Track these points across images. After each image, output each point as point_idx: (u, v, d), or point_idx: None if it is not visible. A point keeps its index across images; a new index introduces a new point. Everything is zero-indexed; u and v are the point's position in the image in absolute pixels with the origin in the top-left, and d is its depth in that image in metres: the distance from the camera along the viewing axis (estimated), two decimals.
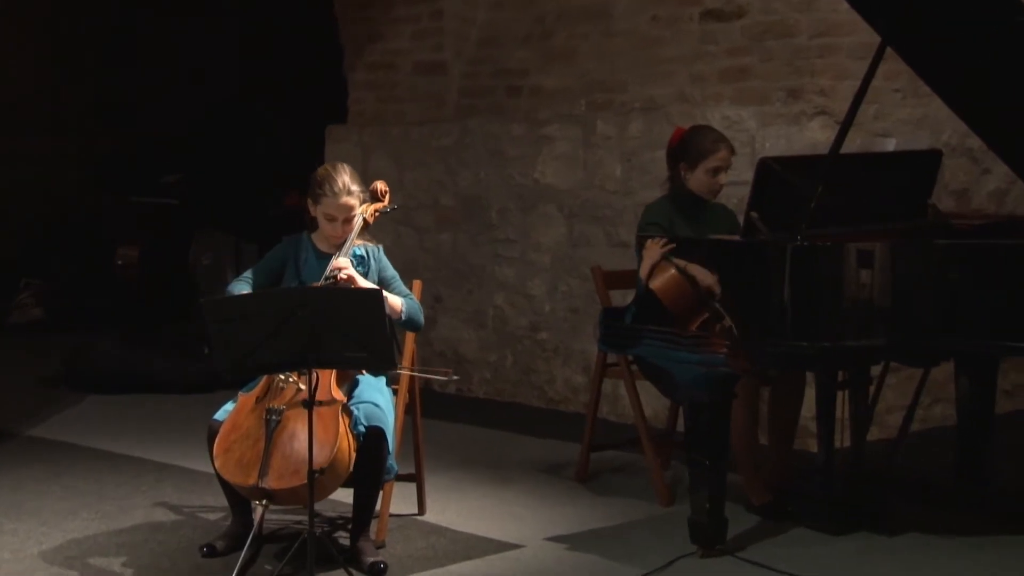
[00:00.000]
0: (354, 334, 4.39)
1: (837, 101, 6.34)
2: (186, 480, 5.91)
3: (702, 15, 6.81)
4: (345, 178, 4.92)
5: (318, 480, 4.41)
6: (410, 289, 5.14)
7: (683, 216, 5.42)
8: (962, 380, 5.61)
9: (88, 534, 5.18)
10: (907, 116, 6.63)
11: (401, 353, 5.12)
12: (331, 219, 4.94)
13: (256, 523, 4.70)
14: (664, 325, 4.84)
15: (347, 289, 4.73)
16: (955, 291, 4.71)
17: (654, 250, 4.90)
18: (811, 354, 4.74)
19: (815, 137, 6.36)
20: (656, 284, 4.86)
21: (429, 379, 7.59)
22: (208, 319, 4.38)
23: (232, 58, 11.47)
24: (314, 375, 4.43)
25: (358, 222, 4.98)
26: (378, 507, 4.94)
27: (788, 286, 4.63)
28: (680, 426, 5.53)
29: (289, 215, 8.44)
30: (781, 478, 5.52)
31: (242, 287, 4.92)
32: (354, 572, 4.62)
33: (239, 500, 4.83)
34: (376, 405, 4.75)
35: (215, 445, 4.64)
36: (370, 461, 4.69)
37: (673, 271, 4.82)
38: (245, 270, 5.10)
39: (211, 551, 4.85)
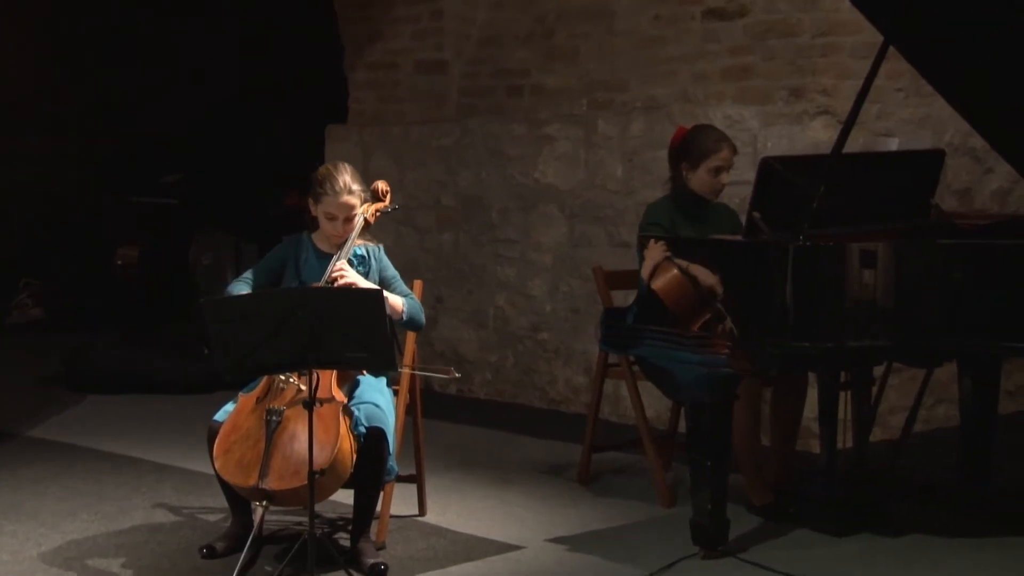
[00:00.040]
0: (354, 334, 4.38)
1: (839, 100, 6.33)
2: (186, 481, 5.89)
3: (704, 14, 6.80)
4: (346, 177, 4.91)
5: (318, 481, 4.40)
6: (411, 289, 5.13)
7: (685, 216, 5.40)
8: (965, 381, 5.59)
9: (87, 535, 5.17)
10: (910, 116, 6.62)
11: (402, 353, 5.11)
12: (332, 218, 4.93)
13: (256, 524, 4.69)
14: (666, 325, 4.83)
15: (347, 289, 4.72)
16: (958, 291, 4.69)
17: (657, 251, 4.88)
18: (813, 355, 4.73)
19: (817, 136, 6.35)
20: (658, 284, 4.85)
21: (429, 380, 7.61)
22: (208, 319, 4.36)
23: (232, 58, 11.46)
24: (314, 375, 4.42)
25: (359, 222, 4.97)
26: (378, 508, 4.93)
27: (790, 286, 4.62)
28: (682, 427, 5.52)
29: (289, 215, 8.43)
30: (783, 479, 5.51)
31: (241, 288, 4.90)
32: (354, 573, 4.61)
33: (239, 501, 4.82)
34: (377, 406, 4.74)
35: (215, 446, 4.63)
36: (371, 462, 4.68)
37: (675, 271, 4.81)
38: (245, 270, 5.09)
39: (211, 552, 4.83)
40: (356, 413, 4.68)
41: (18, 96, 10.97)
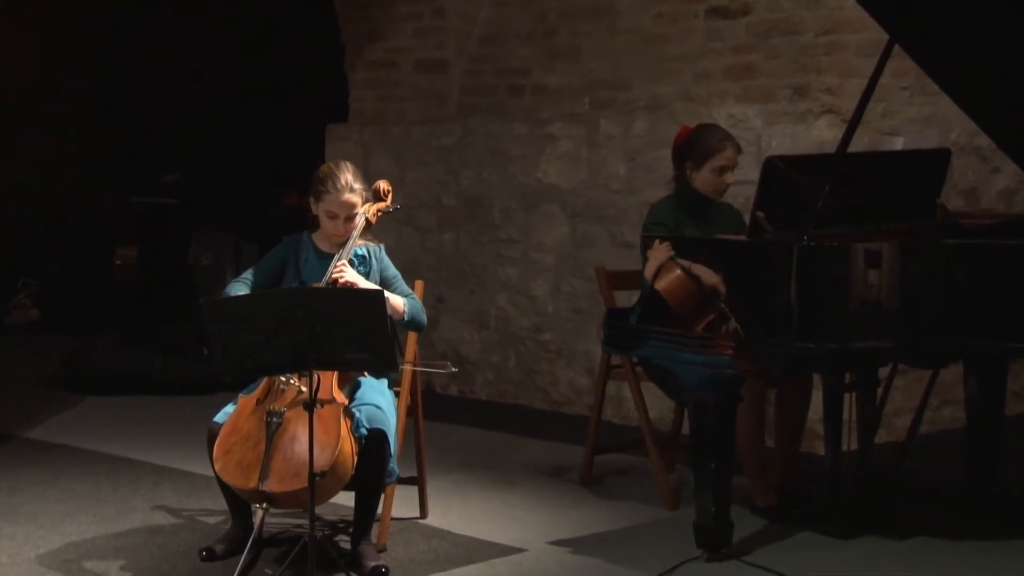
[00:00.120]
0: (355, 335, 4.36)
1: (844, 99, 6.31)
2: (185, 483, 5.87)
3: (707, 12, 6.79)
4: (348, 175, 4.90)
5: (319, 483, 4.38)
6: (412, 289, 5.10)
7: (689, 216, 5.38)
8: (971, 382, 5.56)
9: (86, 537, 5.14)
10: (915, 114, 6.60)
11: (402, 354, 5.09)
12: (333, 217, 4.91)
13: (256, 527, 4.65)
14: (669, 326, 4.80)
15: (348, 289, 4.70)
16: (964, 292, 4.68)
17: (661, 251, 4.85)
18: (818, 356, 4.71)
19: (822, 136, 6.33)
20: (661, 285, 4.83)
21: (431, 381, 7.59)
22: (208, 320, 4.35)
23: (232, 58, 11.44)
24: (315, 377, 4.40)
25: (360, 221, 4.95)
26: (380, 510, 4.91)
27: (794, 287, 4.60)
28: (685, 428, 5.50)
29: (289, 215, 8.43)
30: (787, 481, 5.49)
31: (239, 288, 4.89)
32: None
33: (239, 503, 4.80)
34: (378, 407, 4.72)
35: (215, 447, 4.62)
36: (372, 464, 4.65)
37: (679, 272, 4.78)
38: (245, 270, 5.08)
39: (210, 555, 4.81)
40: (357, 415, 4.66)
41: (18, 96, 10.95)
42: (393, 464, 4.79)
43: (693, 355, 4.74)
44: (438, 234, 8.03)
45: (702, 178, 5.39)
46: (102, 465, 6.23)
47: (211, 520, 5.34)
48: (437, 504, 5.52)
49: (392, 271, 5.05)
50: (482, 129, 7.78)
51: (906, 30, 4.95)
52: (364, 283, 4.84)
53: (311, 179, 4.98)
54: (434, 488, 5.59)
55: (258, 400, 4.67)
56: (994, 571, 4.76)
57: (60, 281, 10.64)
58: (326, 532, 5.14)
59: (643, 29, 7.07)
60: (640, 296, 5.02)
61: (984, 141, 6.20)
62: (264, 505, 4.50)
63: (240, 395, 4.75)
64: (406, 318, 4.94)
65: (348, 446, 4.53)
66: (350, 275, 4.81)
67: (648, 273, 4.90)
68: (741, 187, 5.76)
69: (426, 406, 5.40)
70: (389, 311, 4.64)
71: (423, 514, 5.41)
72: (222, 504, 4.95)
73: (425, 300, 5.19)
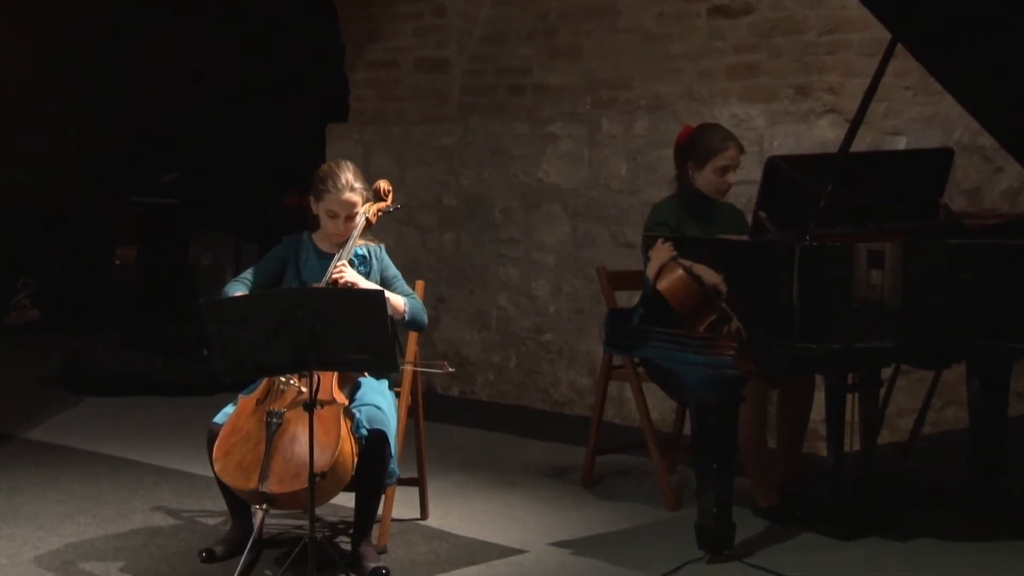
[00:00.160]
0: (355, 335, 4.35)
1: (847, 99, 6.29)
2: (185, 484, 5.86)
3: (709, 11, 6.77)
4: (348, 175, 4.89)
5: (319, 484, 4.37)
6: (412, 289, 5.09)
7: (691, 216, 5.37)
8: (974, 382, 5.55)
9: (85, 538, 5.13)
10: (918, 114, 6.59)
11: (403, 354, 5.07)
12: (333, 216, 4.89)
13: (256, 528, 4.64)
14: (671, 326, 4.78)
15: (348, 289, 4.69)
16: (967, 292, 4.68)
17: (663, 251, 4.84)
18: (820, 356, 4.71)
19: (824, 135, 6.32)
20: (663, 285, 4.81)
21: (431, 381, 7.57)
22: (208, 320, 4.34)
23: (232, 58, 11.43)
24: (315, 377, 4.38)
25: (360, 221, 4.94)
26: (380, 511, 4.90)
27: (797, 287, 4.59)
28: (687, 429, 5.48)
29: (289, 215, 8.41)
30: (789, 481, 5.48)
31: (238, 288, 4.88)
32: None
33: (239, 504, 4.78)
34: (378, 408, 4.71)
35: (215, 448, 4.61)
36: (372, 465, 4.64)
37: (680, 272, 4.77)
38: (245, 270, 5.06)
39: (210, 556, 4.80)
40: (357, 415, 4.64)
41: (18, 96, 10.94)
42: (393, 465, 4.78)
43: (695, 355, 4.73)
44: (439, 234, 8.02)
45: (704, 178, 5.37)
46: (102, 466, 6.22)
47: (211, 521, 5.33)
48: (438, 505, 5.51)
49: (392, 271, 5.04)
50: (483, 128, 7.77)
51: (909, 29, 4.94)
52: (364, 283, 4.83)
53: (311, 179, 4.97)
54: (435, 489, 5.58)
55: (258, 401, 4.66)
56: (997, 572, 4.75)
57: (60, 281, 10.63)
58: (326, 533, 5.13)
59: (645, 28, 7.06)
60: (642, 296, 5.01)
61: (987, 141, 6.19)
62: (264, 506, 4.49)
63: (240, 396, 4.74)
64: (407, 318, 4.93)
65: (348, 447, 4.51)
66: (350, 275, 4.80)
67: (650, 273, 4.89)
68: (743, 187, 5.75)
69: (427, 407, 5.39)
70: (389, 311, 4.63)
71: (424, 515, 5.39)
72: (222, 505, 4.94)
73: (426, 300, 5.18)
